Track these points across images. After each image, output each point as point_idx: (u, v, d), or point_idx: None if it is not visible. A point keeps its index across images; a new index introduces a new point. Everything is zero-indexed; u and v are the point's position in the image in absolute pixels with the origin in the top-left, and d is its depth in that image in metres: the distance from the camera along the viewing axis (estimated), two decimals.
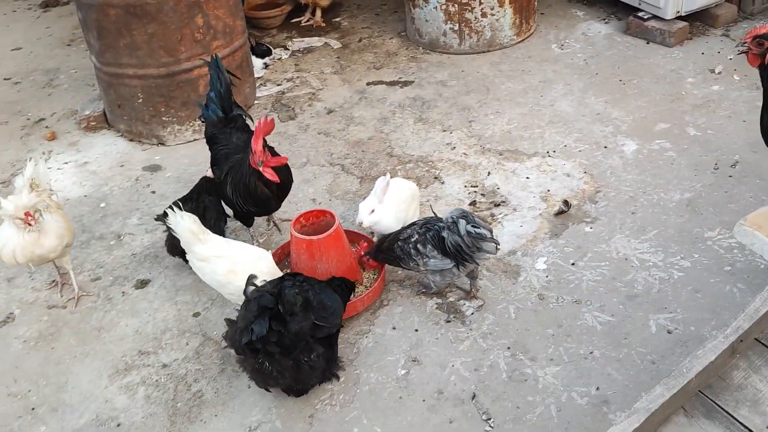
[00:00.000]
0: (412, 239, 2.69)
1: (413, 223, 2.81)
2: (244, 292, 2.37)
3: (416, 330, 2.74)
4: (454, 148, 3.81)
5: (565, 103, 4.08)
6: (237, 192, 2.86)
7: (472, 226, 2.53)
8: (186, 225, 2.67)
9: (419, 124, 4.05)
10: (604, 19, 4.96)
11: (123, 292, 3.09)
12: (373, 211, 2.99)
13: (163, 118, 4.01)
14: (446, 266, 2.65)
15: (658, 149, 3.60)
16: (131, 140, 4.17)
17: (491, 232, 2.58)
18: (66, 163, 4.06)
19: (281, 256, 3.08)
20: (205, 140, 3.23)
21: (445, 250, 2.61)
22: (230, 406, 2.52)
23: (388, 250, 2.77)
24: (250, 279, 2.38)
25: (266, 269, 2.58)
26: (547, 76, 4.39)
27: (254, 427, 2.44)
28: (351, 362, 2.63)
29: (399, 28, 5.24)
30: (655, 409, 1.56)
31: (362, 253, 2.87)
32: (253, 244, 3.18)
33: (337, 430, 2.40)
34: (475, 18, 4.59)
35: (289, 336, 2.22)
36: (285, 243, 3.10)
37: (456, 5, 4.55)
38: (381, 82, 4.55)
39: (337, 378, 2.55)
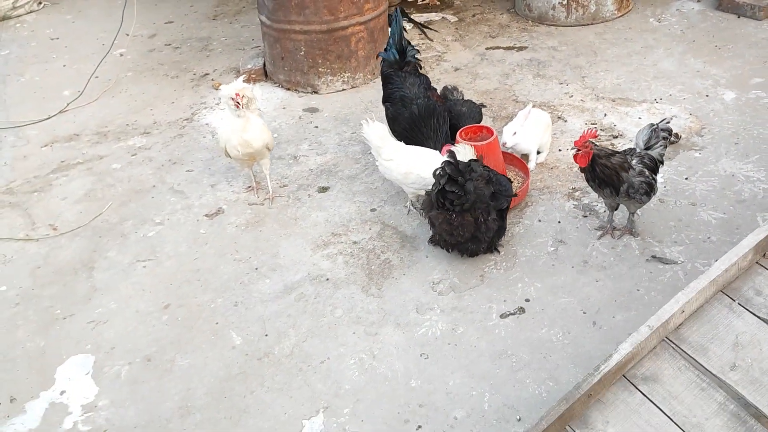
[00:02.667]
0: (646, 173, 2.91)
1: (624, 162, 2.92)
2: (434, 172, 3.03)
3: (559, 222, 3.36)
4: (572, 96, 4.43)
5: (667, 63, 4.67)
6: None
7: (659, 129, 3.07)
8: (376, 132, 3.35)
9: (538, 79, 4.69)
10: None
11: (308, 195, 3.80)
12: (515, 133, 3.63)
13: (320, 69, 4.74)
14: None
15: (755, 97, 4.15)
16: (288, 89, 4.92)
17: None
18: None
19: None
20: (381, 79, 3.91)
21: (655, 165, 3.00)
22: (414, 269, 3.19)
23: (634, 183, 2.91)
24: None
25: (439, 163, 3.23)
26: (648, 43, 4.98)
27: (436, 281, 3.10)
28: (507, 242, 3.27)
29: (507, 5, 5.90)
30: None
31: (584, 141, 2.90)
32: None
33: (503, 284, 3.03)
34: None
35: (470, 194, 2.87)
36: None
37: None
38: (498, 48, 5.21)
39: (499, 251, 3.19)
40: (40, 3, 7.08)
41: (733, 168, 3.57)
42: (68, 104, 5.02)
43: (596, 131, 2.97)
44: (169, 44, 5.99)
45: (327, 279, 3.19)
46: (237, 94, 3.39)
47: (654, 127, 3.09)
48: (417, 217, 3.51)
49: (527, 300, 2.94)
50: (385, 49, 3.89)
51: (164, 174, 4.13)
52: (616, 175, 2.92)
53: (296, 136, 4.37)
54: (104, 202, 3.92)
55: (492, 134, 3.45)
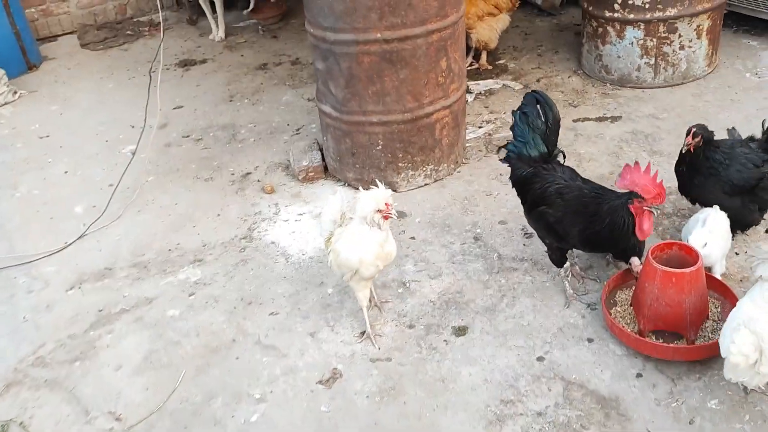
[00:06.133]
0: None
1: None
2: None
3: None
4: None
5: None
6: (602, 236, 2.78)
7: None
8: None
9: (656, 157, 4.02)
10: None
11: (445, 341, 2.98)
12: (706, 244, 2.91)
13: (399, 164, 3.96)
14: None
15: None
16: (358, 188, 4.09)
17: None
18: (301, 214, 3.99)
19: (612, 288, 3.01)
20: (511, 184, 3.17)
21: None
22: None
23: None
24: None
25: None
26: (760, 104, 4.40)
27: None
28: (745, 398, 2.52)
29: (572, 65, 5.28)
30: None
31: None
32: (566, 287, 3.09)
33: None
34: (673, 51, 4.62)
35: None
36: (614, 276, 3.02)
37: (654, 39, 4.59)
38: (587, 119, 4.54)
39: None
40: (16, 93, 6.11)
41: None
42: (87, 226, 4.08)
43: None
44: (188, 135, 5.11)
45: None
46: (387, 205, 2.72)
47: None
48: (608, 367, 2.73)
49: None
50: (517, 144, 3.12)
51: (241, 321, 3.25)
52: None
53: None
54: (174, 370, 3.01)
55: (697, 258, 2.71)
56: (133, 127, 5.26)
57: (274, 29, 7.00)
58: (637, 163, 2.75)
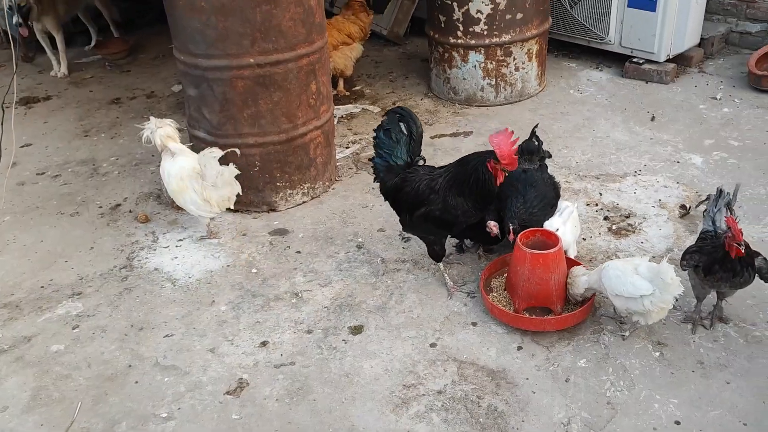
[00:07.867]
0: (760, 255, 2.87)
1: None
2: None
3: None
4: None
5: (618, 134, 4.76)
6: (471, 194, 3.07)
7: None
8: None
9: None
10: (596, 68, 5.79)
11: (343, 340, 3.15)
12: (558, 230, 3.35)
13: (277, 184, 4.10)
14: None
15: (719, 159, 4.34)
16: (236, 211, 4.17)
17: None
18: (181, 240, 3.98)
19: (487, 276, 3.35)
20: (384, 197, 3.39)
21: None
22: (529, 411, 2.72)
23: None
24: None
25: None
26: (584, 115, 5.07)
27: (566, 422, 2.66)
28: (607, 355, 2.94)
29: (422, 89, 5.72)
30: None
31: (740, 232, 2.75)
32: (446, 280, 3.40)
33: (639, 408, 2.68)
34: (510, 72, 5.21)
35: None
36: (487, 266, 3.36)
37: (494, 62, 5.15)
38: (443, 135, 4.97)
39: None
40: None
41: (754, 233, 3.62)
42: None
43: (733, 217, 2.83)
44: (43, 173, 4.89)
45: None
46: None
47: (728, 202, 3.01)
48: (493, 345, 3.05)
49: (677, 423, 2.62)
50: (378, 155, 3.35)
51: (135, 346, 3.20)
52: (751, 260, 2.81)
53: (282, 268, 3.68)
54: (69, 403, 2.91)
55: (557, 241, 3.12)
56: None
57: (122, 64, 6.85)
58: (507, 129, 3.05)
